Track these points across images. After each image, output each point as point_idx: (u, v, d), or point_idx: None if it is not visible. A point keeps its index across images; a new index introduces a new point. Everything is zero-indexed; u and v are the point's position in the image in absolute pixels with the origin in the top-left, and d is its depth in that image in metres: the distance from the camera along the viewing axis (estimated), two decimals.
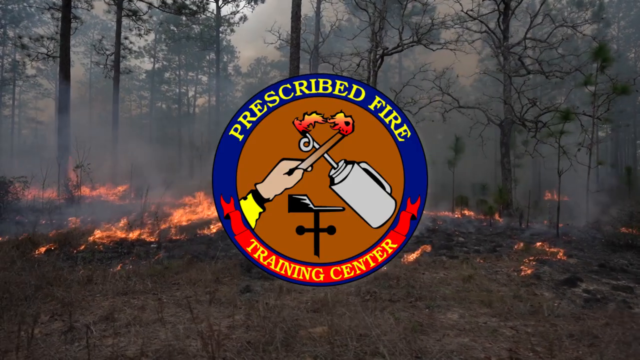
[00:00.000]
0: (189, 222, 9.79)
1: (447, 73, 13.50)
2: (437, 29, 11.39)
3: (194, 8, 25.24)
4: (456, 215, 14.36)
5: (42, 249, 5.98)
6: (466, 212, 14.35)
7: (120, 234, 7.84)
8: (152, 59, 45.38)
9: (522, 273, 5.63)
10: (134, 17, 25.29)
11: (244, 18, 34.63)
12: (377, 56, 12.01)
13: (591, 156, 11.60)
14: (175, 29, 35.85)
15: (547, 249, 7.41)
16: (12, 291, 3.92)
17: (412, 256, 6.40)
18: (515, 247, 7.69)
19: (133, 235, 8.01)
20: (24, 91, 49.27)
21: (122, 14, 24.78)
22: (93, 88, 52.23)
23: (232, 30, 31.89)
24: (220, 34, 33.78)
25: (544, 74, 12.18)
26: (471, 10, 12.29)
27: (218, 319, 3.51)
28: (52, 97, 46.03)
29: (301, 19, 13.97)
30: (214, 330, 3.13)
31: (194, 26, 36.82)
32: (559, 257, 6.75)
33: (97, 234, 7.29)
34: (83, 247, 6.30)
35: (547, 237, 9.26)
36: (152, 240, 7.95)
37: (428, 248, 7.31)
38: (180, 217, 11.23)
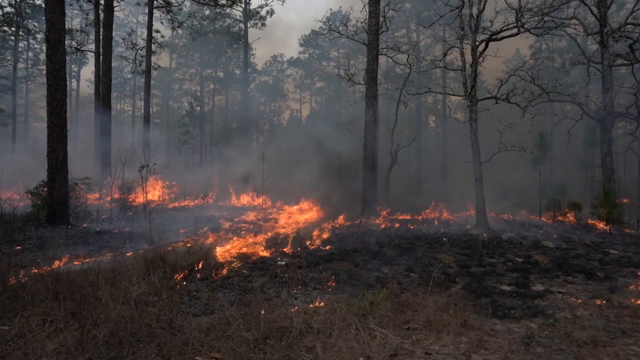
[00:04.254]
0: (295, 231, 8.49)
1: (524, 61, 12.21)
2: (552, 12, 10.05)
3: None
4: (545, 220, 13.04)
5: (180, 274, 4.71)
6: (559, 217, 13.03)
7: (236, 249, 6.57)
8: (171, 55, 44.14)
9: None
10: (165, 9, 24.00)
11: (271, 12, 33.33)
12: (477, 42, 10.70)
13: None
14: (198, 24, 34.52)
15: None
16: (241, 352, 2.65)
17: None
18: None
19: (247, 249, 6.75)
20: (31, 90, 47.85)
21: (154, 6, 23.47)
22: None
23: (263, 24, 30.52)
24: (250, 27, 32.44)
25: None
26: None
27: None
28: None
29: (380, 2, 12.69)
30: None
31: (218, 21, 35.55)
32: None
33: (219, 251, 6.02)
34: (226, 270, 5.01)
35: None
36: (268, 254, 6.69)
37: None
38: (265, 223, 9.99)
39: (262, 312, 3.77)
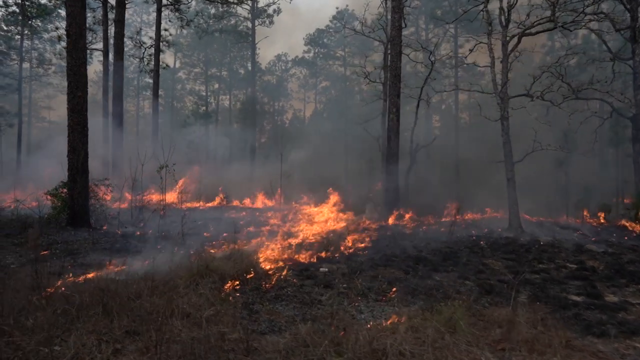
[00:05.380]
0: (321, 235, 8.11)
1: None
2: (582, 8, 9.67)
3: None
4: (573, 221, 12.66)
5: (230, 284, 4.33)
6: (588, 219, 12.65)
7: (272, 255, 6.19)
8: (175, 54, 43.80)
9: None
10: (174, 7, 23.63)
11: (278, 11, 33.00)
12: (508, 38, 10.34)
13: None
14: (205, 23, 34.20)
15: None
16: None
17: None
18: None
19: (281, 254, 6.38)
20: (34, 90, 47.34)
21: (163, 3, 23.09)
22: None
23: (271, 22, 30.23)
24: (257, 26, 32.11)
25: None
26: None
27: None
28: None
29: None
30: None
31: (224, 20, 35.20)
32: None
33: (261, 256, 5.64)
34: (275, 280, 4.63)
35: None
36: (305, 260, 6.32)
37: None
38: (288, 225, 9.60)
39: (360, 335, 3.38)
